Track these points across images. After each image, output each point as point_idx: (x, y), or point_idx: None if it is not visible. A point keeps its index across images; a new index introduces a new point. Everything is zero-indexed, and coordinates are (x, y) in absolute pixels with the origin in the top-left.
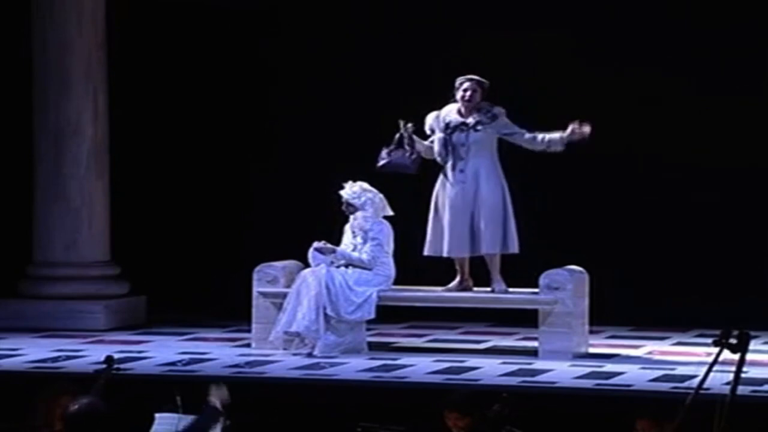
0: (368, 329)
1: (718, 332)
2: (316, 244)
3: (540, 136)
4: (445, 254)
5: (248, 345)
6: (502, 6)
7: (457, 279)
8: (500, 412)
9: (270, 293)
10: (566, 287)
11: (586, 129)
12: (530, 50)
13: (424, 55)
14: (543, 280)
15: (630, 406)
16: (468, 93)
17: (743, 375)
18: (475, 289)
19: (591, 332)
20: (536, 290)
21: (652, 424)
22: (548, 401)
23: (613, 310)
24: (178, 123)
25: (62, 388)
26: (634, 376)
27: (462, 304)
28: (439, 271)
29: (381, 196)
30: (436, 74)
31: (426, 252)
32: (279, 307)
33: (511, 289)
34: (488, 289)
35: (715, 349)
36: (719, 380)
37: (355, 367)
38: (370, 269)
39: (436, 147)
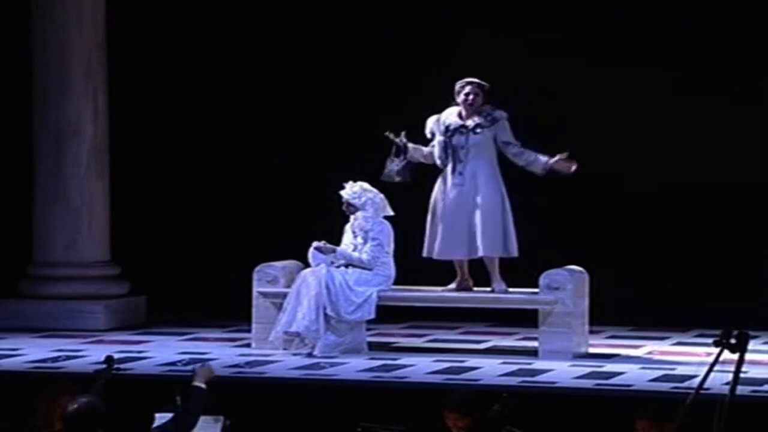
0: (368, 329)
1: (718, 332)
2: (316, 244)
3: (526, 154)
4: (435, 256)
5: (248, 345)
6: (501, 7)
7: (457, 279)
8: (500, 412)
9: (270, 293)
10: (566, 287)
11: (573, 166)
12: (530, 51)
13: (424, 56)
14: (543, 280)
15: (630, 406)
16: (470, 97)
17: (743, 375)
18: (475, 289)
19: (591, 332)
20: (536, 290)
21: (652, 424)
22: (548, 401)
23: (613, 310)
24: (178, 123)
25: (62, 388)
26: (634, 376)
27: (462, 304)
28: (439, 271)
29: (381, 196)
30: (436, 74)
31: (424, 254)
32: (279, 307)
33: (511, 289)
34: (488, 289)
35: (715, 350)
36: (719, 380)
37: (355, 367)
38: (370, 269)
39: (437, 150)
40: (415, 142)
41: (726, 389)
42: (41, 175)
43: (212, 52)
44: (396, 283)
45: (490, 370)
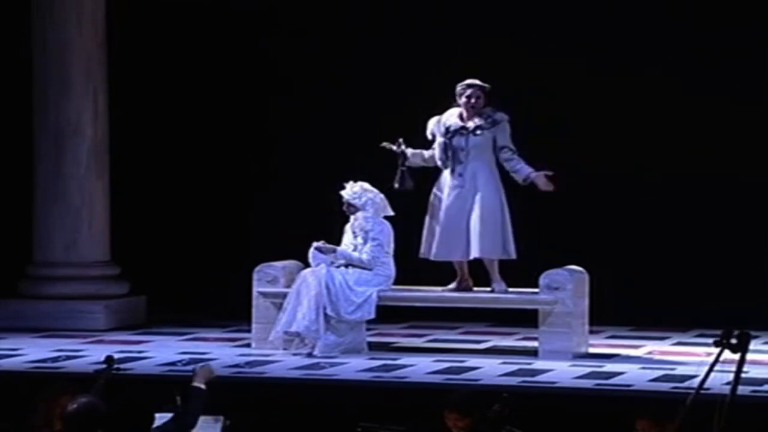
0: (368, 329)
1: (718, 332)
2: (316, 244)
3: (514, 161)
4: (432, 257)
5: (248, 345)
6: (501, 7)
7: (457, 279)
8: (500, 412)
9: (270, 293)
10: (566, 287)
11: (551, 186)
12: (530, 51)
13: (424, 56)
14: (543, 280)
15: (630, 406)
16: (472, 100)
17: (743, 375)
18: (475, 289)
19: (591, 332)
20: (536, 290)
21: (652, 424)
22: (548, 401)
23: (613, 310)
24: (178, 123)
25: (62, 388)
26: (634, 376)
27: (462, 304)
28: (439, 271)
29: (382, 196)
30: (436, 75)
31: (421, 254)
32: (279, 307)
33: (511, 289)
34: (488, 289)
35: (716, 350)
36: (719, 380)
37: (355, 367)
38: (370, 269)
39: (437, 151)
40: (415, 144)
41: (726, 389)
42: (41, 175)
43: (212, 52)
44: (396, 283)
45: (490, 370)
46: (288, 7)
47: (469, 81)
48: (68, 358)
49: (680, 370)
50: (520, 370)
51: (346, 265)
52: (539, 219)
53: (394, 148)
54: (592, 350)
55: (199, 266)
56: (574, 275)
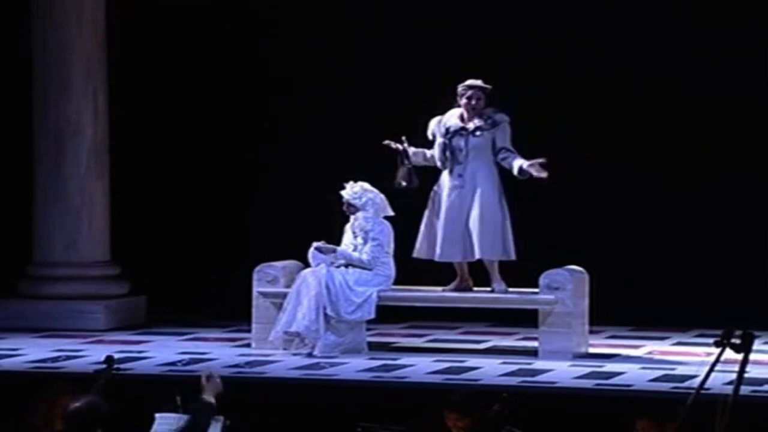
0: (368, 329)
1: (718, 332)
2: (315, 244)
3: (509, 159)
4: (437, 258)
5: (248, 345)
6: (502, 8)
7: (457, 279)
8: (500, 412)
9: (270, 293)
10: (566, 287)
11: (543, 174)
12: (530, 52)
13: (424, 56)
14: (543, 280)
15: (630, 406)
16: (473, 100)
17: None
18: (475, 289)
19: (591, 332)
20: (536, 290)
21: (652, 424)
22: (548, 401)
23: (613, 310)
24: (178, 123)
25: (62, 388)
26: (634, 376)
27: (462, 304)
28: (439, 271)
29: (382, 196)
30: (436, 75)
31: (415, 254)
32: (279, 307)
33: (511, 289)
34: (488, 289)
35: (716, 350)
36: (720, 380)
37: (355, 367)
38: (370, 269)
39: (437, 152)
40: (415, 144)
41: (727, 389)
42: (41, 175)
43: (212, 52)
44: (396, 283)
45: (490, 370)
46: (288, 7)
47: (469, 82)
48: (68, 358)
49: (680, 370)
50: (520, 370)
51: (346, 265)
52: (539, 219)
53: (399, 146)
54: (592, 350)
55: (199, 266)
56: (574, 275)
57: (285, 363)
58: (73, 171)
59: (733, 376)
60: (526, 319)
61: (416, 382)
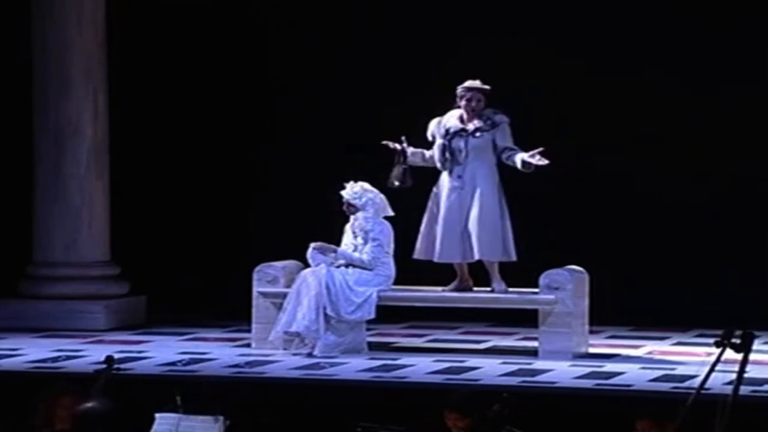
0: (368, 329)
1: (718, 332)
2: (314, 244)
3: (512, 156)
4: (436, 259)
5: (248, 345)
6: (501, 8)
7: (457, 279)
8: (500, 412)
9: (270, 293)
10: (566, 287)
11: (544, 161)
12: (529, 52)
13: (424, 56)
14: (543, 280)
15: (630, 406)
16: (473, 102)
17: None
18: (475, 289)
19: (591, 332)
20: (536, 290)
21: (652, 424)
22: (548, 401)
23: (613, 310)
24: (178, 123)
25: (62, 388)
26: (634, 376)
27: (462, 304)
28: (439, 271)
29: (382, 196)
30: (436, 75)
31: (416, 255)
32: (279, 307)
33: (511, 289)
34: (488, 289)
35: (716, 350)
36: (720, 380)
37: (355, 367)
38: (370, 269)
39: (436, 153)
40: (414, 144)
41: (727, 389)
42: (41, 175)
43: (212, 52)
44: (396, 283)
45: (490, 370)
46: (288, 7)
47: (468, 83)
48: (68, 358)
49: (680, 370)
50: (520, 370)
51: (347, 265)
52: (539, 219)
53: (397, 146)
54: (592, 350)
55: (199, 266)
56: (574, 275)
57: (285, 363)
58: (73, 171)
59: (733, 376)
60: (526, 319)
61: (416, 382)
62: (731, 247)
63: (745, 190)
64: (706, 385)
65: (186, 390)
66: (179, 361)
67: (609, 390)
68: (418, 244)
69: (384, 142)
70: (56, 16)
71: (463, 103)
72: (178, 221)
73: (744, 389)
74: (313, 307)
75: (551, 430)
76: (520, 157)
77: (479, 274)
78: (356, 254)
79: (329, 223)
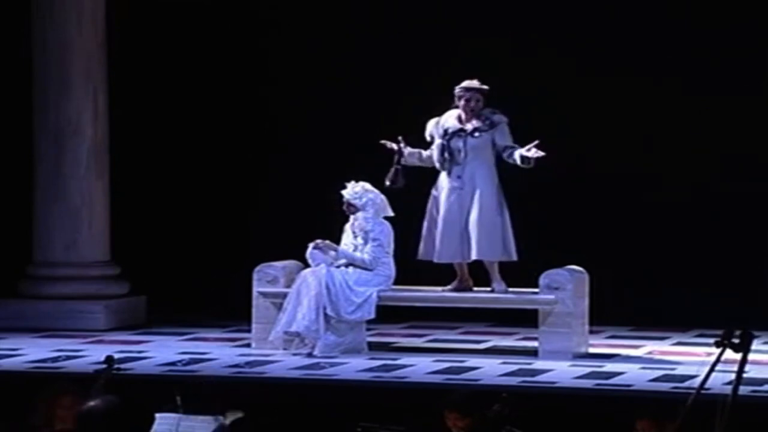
0: (368, 329)
1: (718, 332)
2: (318, 242)
3: (512, 153)
4: (436, 259)
5: (248, 345)
6: (501, 8)
7: (457, 279)
8: (500, 412)
9: (270, 293)
10: (566, 287)
11: (541, 153)
12: (529, 51)
13: (423, 56)
14: (543, 280)
15: (630, 406)
16: (471, 102)
17: (744, 375)
18: (475, 289)
19: (591, 332)
20: (536, 290)
21: (652, 424)
22: (548, 401)
23: (613, 310)
24: (178, 123)
25: (62, 388)
26: (634, 376)
27: (462, 304)
28: (439, 271)
29: (382, 197)
30: (436, 75)
31: (419, 256)
32: (279, 307)
33: (511, 289)
34: (488, 289)
35: (716, 350)
36: (720, 380)
37: (355, 367)
38: (371, 269)
39: (435, 153)
40: (413, 144)
41: (727, 389)
42: (41, 175)
43: (212, 52)
44: (396, 283)
45: (490, 370)
46: (288, 7)
47: (466, 84)
48: (68, 358)
49: (680, 370)
50: (520, 370)
51: (347, 265)
52: (539, 219)
53: (394, 146)
54: (592, 350)
55: (199, 266)
56: (574, 275)
57: (285, 363)
58: (73, 171)
59: (733, 376)
60: (526, 319)
61: (416, 382)
62: (731, 247)
63: (745, 191)
64: (706, 385)
65: (186, 390)
66: (179, 361)
67: (609, 390)
68: (421, 246)
69: (381, 142)
70: (56, 16)
71: (461, 103)
72: (178, 221)
73: (744, 389)
74: (313, 307)
75: (551, 430)
76: (518, 153)
77: (479, 274)
78: (357, 254)
79: (329, 223)
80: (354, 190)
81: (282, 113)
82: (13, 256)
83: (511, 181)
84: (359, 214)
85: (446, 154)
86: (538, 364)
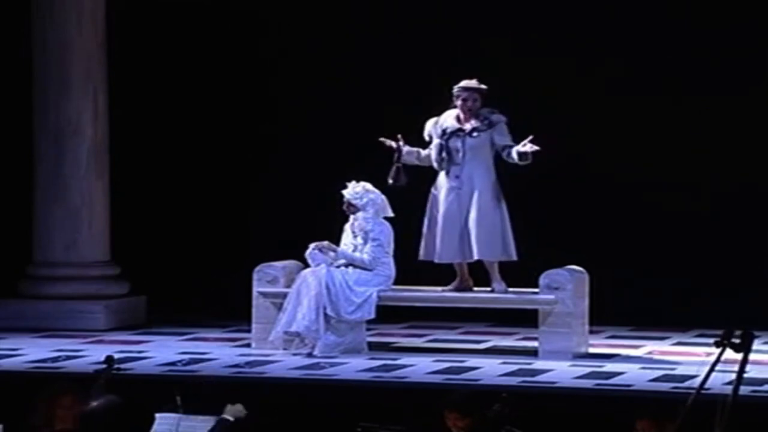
0: (368, 329)
1: (718, 332)
2: (317, 244)
3: (510, 151)
4: (436, 260)
5: (248, 345)
6: (501, 8)
7: (457, 280)
8: (500, 412)
9: (270, 293)
10: (566, 287)
11: (536, 147)
12: (529, 51)
13: (423, 55)
14: (543, 280)
15: (630, 406)
16: (470, 102)
17: (744, 375)
18: (475, 289)
19: (591, 332)
20: (536, 290)
21: (652, 424)
22: (548, 401)
23: (613, 310)
24: (178, 123)
25: (62, 388)
26: (634, 376)
27: (462, 304)
28: (439, 271)
29: (383, 197)
30: (436, 75)
31: (420, 257)
32: (279, 307)
33: (511, 289)
34: (488, 289)
35: (716, 350)
36: (720, 380)
37: (355, 367)
38: (371, 270)
39: (433, 153)
40: (412, 143)
41: (727, 389)
42: (41, 175)
43: (212, 52)
44: (396, 283)
45: (490, 370)
46: (288, 7)
47: (464, 83)
48: (68, 358)
49: (680, 370)
50: (520, 370)
51: (347, 265)
52: (539, 219)
53: (393, 144)
54: (592, 350)
55: (199, 266)
56: (574, 275)
57: (285, 363)
58: (73, 171)
59: (733, 376)
60: (526, 319)
61: (416, 382)
62: (731, 247)
63: (745, 191)
64: (706, 385)
65: (186, 390)
66: (179, 361)
67: (609, 390)
68: (422, 248)
69: (380, 139)
70: (56, 16)
71: (459, 102)
72: (178, 221)
73: (744, 389)
74: (313, 307)
75: (551, 430)
76: (515, 151)
77: (479, 274)
78: (357, 254)
79: (329, 223)
80: (355, 190)
81: (282, 113)
82: (13, 256)
83: (511, 180)
84: (359, 214)
85: (444, 154)
86: (538, 364)
